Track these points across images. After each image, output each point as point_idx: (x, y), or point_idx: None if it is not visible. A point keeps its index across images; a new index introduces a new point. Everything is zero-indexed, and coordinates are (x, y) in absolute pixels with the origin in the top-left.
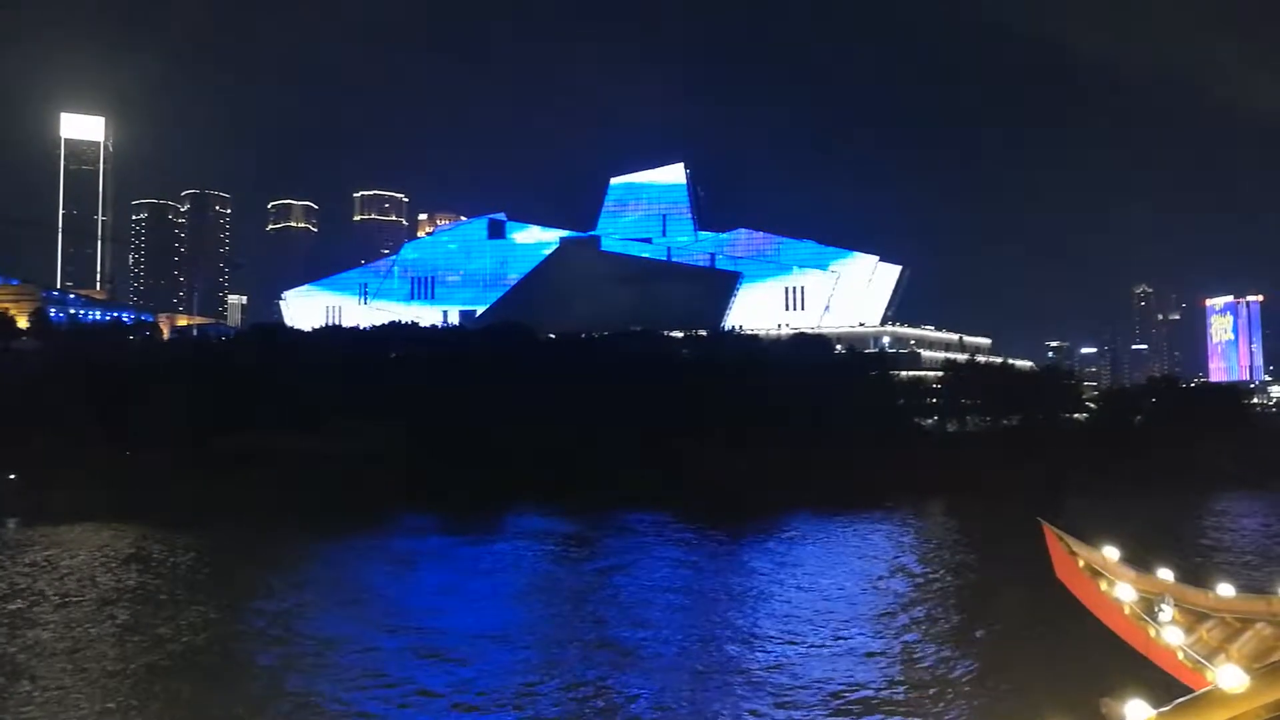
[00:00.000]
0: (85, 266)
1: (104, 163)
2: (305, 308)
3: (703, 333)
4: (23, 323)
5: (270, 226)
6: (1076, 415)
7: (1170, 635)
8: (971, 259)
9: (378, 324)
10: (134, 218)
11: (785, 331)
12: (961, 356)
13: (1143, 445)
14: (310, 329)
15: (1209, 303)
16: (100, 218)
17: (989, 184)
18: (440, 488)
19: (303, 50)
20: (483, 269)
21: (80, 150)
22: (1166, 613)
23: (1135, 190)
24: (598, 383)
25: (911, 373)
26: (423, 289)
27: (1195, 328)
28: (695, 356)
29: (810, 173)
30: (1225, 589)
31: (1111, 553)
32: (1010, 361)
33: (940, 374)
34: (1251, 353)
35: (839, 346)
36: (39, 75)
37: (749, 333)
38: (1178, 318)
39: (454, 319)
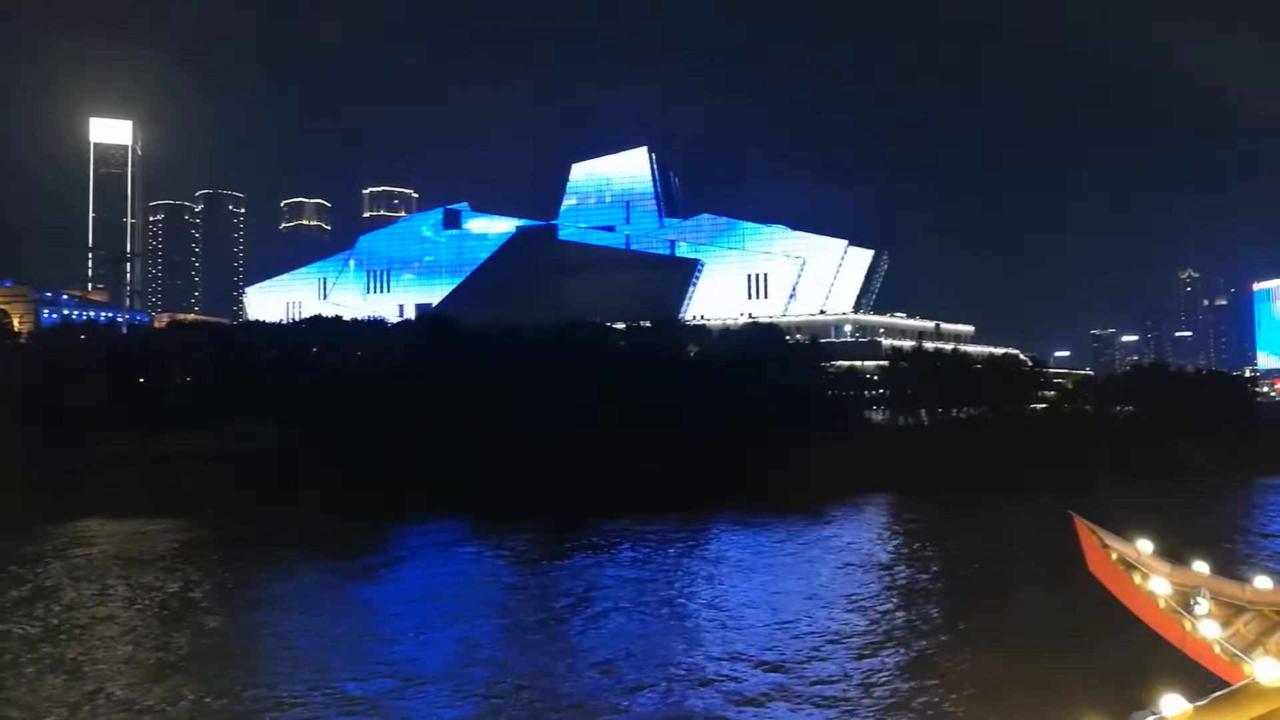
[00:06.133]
0: (114, 269)
1: (132, 166)
2: (266, 303)
3: (647, 324)
4: (19, 325)
5: (283, 225)
6: (1039, 406)
7: (1206, 628)
8: (1015, 251)
9: (299, 319)
10: (151, 219)
11: (740, 321)
12: (908, 344)
13: (1106, 437)
14: (231, 324)
15: (1257, 286)
16: (129, 220)
17: (1029, 180)
18: (334, 494)
19: (315, 49)
20: (438, 260)
21: (108, 154)
22: (1202, 606)
23: (1181, 176)
24: (523, 379)
25: (865, 363)
26: (379, 281)
27: (1243, 313)
28: (632, 350)
29: (824, 168)
30: (1263, 581)
31: (1145, 545)
32: (962, 349)
33: (886, 364)
34: None
35: (799, 336)
36: (54, 78)
37: (698, 323)
38: (1224, 303)
39: (410, 312)
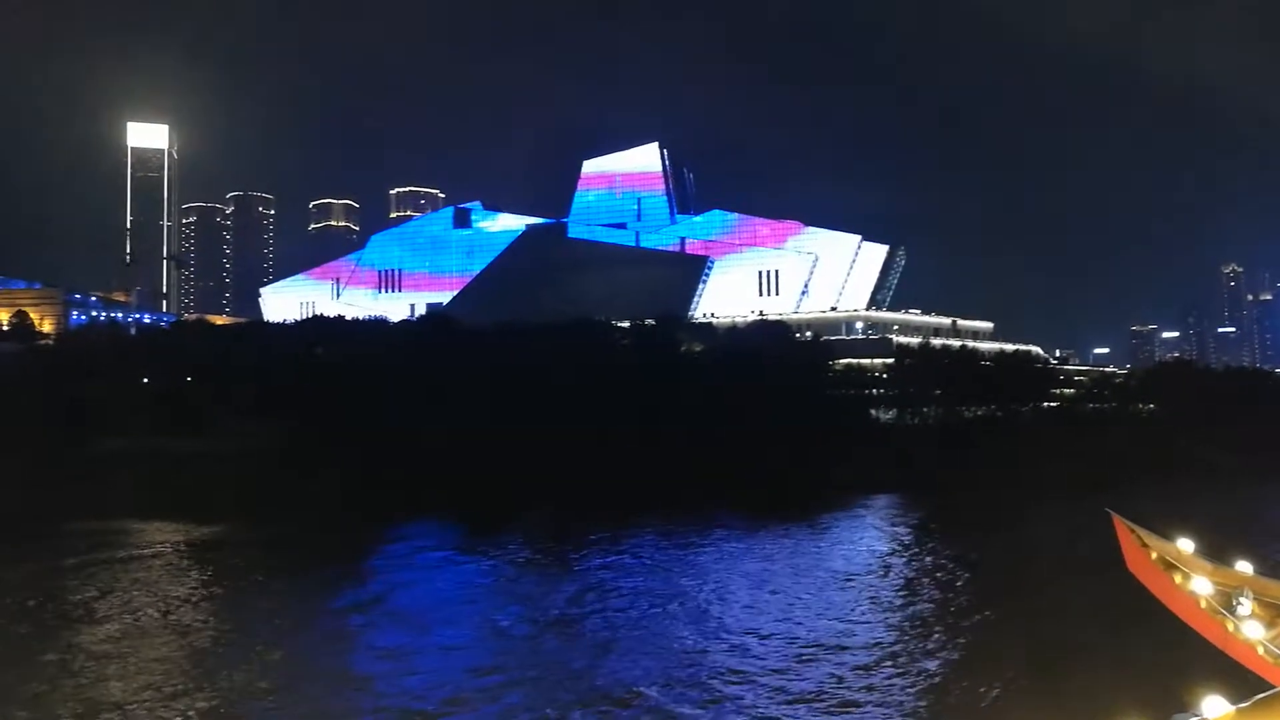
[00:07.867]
0: (147, 271)
1: (168, 170)
2: (281, 303)
3: (651, 322)
4: (47, 326)
5: (312, 226)
6: (1053, 404)
7: (1249, 629)
8: (1057, 248)
9: (300, 319)
10: (183, 221)
11: (746, 319)
12: (918, 341)
13: (1124, 436)
14: (236, 325)
15: None
16: (165, 223)
17: (1071, 177)
18: (331, 495)
19: (344, 52)
20: (449, 260)
21: (145, 158)
22: (1245, 606)
23: (1225, 169)
24: (520, 378)
25: (874, 360)
26: (390, 281)
27: None
28: (632, 348)
29: (856, 164)
30: None
31: (1186, 545)
32: (972, 345)
33: (891, 361)
34: None
35: (808, 334)
36: (94, 84)
37: (704, 321)
38: (1269, 298)
39: (421, 311)
